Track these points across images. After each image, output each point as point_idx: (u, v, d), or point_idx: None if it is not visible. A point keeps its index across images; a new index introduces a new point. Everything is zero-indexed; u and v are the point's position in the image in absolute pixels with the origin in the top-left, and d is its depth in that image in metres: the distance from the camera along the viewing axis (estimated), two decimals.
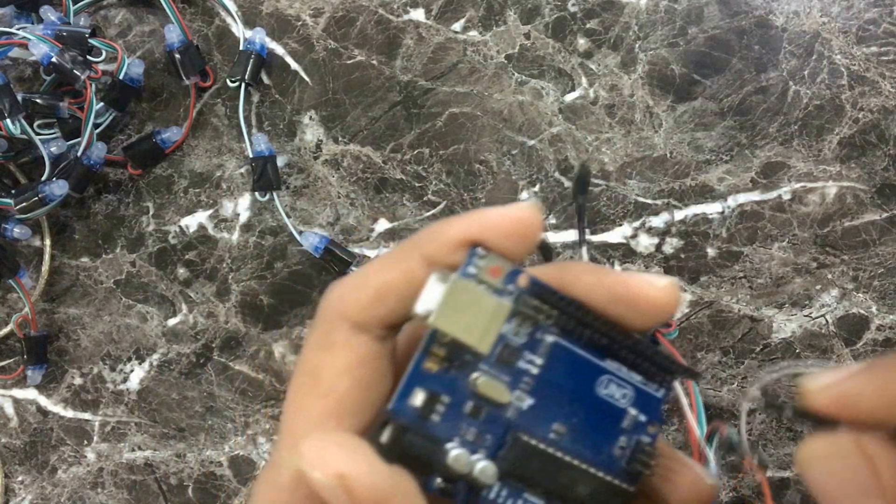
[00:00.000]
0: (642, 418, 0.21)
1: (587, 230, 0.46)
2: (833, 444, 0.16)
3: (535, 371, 0.19)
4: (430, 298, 0.18)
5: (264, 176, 0.47)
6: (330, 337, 0.19)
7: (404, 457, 0.18)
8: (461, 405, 0.19)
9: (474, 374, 0.19)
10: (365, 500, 0.16)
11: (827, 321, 0.44)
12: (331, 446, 0.16)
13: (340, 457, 0.16)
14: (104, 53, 0.47)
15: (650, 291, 0.19)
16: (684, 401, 0.38)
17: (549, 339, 0.20)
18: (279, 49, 0.48)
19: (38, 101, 0.46)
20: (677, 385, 0.23)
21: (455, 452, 0.18)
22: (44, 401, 0.50)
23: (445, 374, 0.19)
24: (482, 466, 0.18)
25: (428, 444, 0.18)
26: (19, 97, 0.45)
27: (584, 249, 0.33)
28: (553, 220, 0.46)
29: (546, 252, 0.41)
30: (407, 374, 0.19)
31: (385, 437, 0.18)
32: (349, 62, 0.48)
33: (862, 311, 0.44)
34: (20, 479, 0.50)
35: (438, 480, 0.18)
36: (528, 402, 0.19)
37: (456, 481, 0.18)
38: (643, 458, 0.20)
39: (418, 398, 0.18)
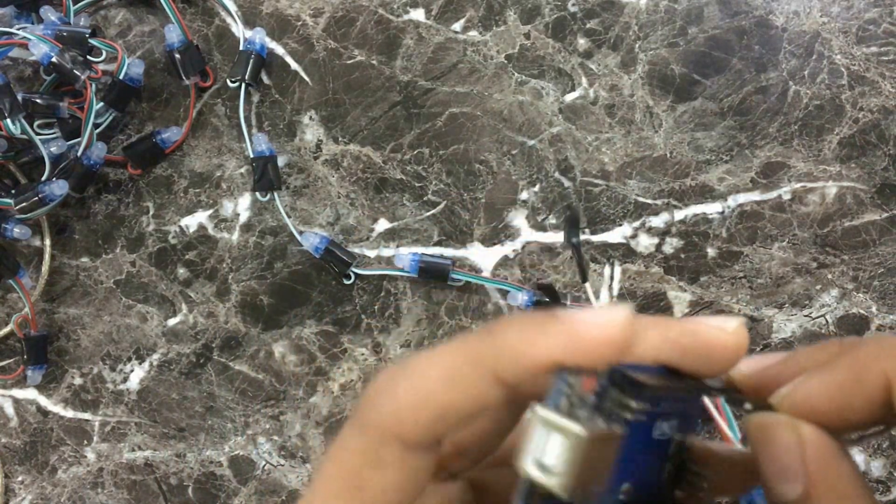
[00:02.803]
0: (682, 437, 0.20)
1: (585, 250, 0.46)
2: (777, 423, 0.18)
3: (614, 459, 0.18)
4: (543, 452, 0.16)
5: (265, 176, 0.47)
6: (379, 453, 0.17)
7: None
8: None
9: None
10: None
11: (827, 321, 0.44)
12: None
13: None
14: (104, 53, 0.47)
15: (722, 337, 0.18)
16: (713, 409, 0.39)
17: (629, 418, 0.18)
18: (279, 49, 0.48)
19: (38, 101, 0.46)
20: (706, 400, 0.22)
21: None
22: (44, 401, 0.50)
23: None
24: None
25: None
26: (19, 97, 0.45)
27: (588, 287, 0.32)
28: (553, 220, 0.46)
29: (552, 296, 0.41)
30: None
31: None
32: (349, 62, 0.48)
33: (862, 311, 0.44)
34: (20, 479, 0.50)
35: None
36: (609, 480, 0.18)
37: None
38: (688, 478, 0.20)
39: None
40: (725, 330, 0.18)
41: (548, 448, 0.16)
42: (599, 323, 0.16)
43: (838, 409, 0.17)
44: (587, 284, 0.32)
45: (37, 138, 0.45)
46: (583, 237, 0.45)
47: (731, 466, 0.21)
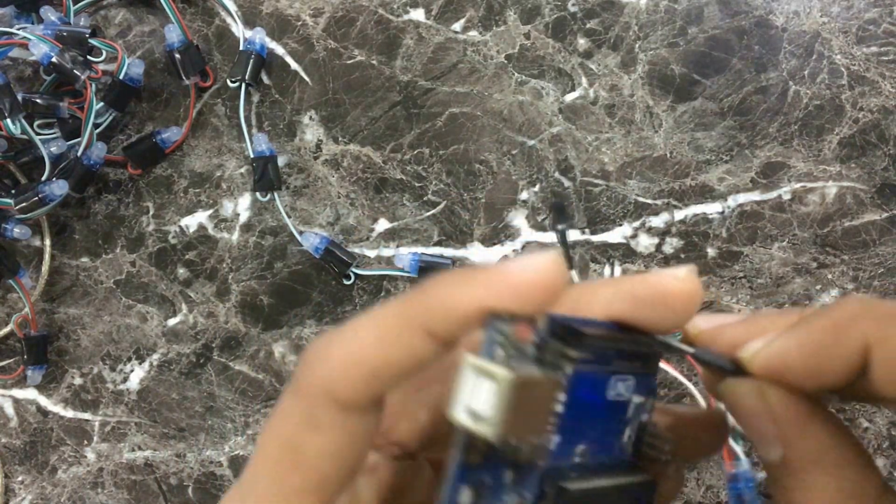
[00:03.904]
0: (641, 400, 0.19)
1: (587, 235, 0.46)
2: (746, 390, 0.18)
3: (560, 409, 0.17)
4: (472, 399, 0.16)
5: (265, 176, 0.47)
6: (315, 415, 0.17)
7: None
8: (502, 479, 0.17)
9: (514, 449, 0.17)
10: None
11: None
12: None
13: None
14: (104, 53, 0.47)
15: (674, 283, 0.18)
16: (703, 403, 0.39)
17: (569, 370, 0.17)
18: (279, 49, 0.48)
19: (38, 101, 0.46)
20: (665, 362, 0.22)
21: None
22: (44, 401, 0.50)
23: (488, 460, 0.17)
24: None
25: None
26: (19, 97, 0.45)
27: (575, 274, 0.32)
28: (544, 217, 0.46)
29: (562, 214, 0.39)
30: (451, 479, 0.16)
31: None
32: (349, 62, 0.48)
33: None
34: (20, 479, 0.50)
35: None
36: (556, 440, 0.17)
37: None
38: (648, 440, 0.19)
39: (465, 496, 0.17)
40: (676, 276, 0.18)
41: (477, 394, 0.15)
42: (526, 267, 0.16)
43: (813, 370, 0.17)
44: (573, 272, 0.31)
45: (37, 138, 0.45)
46: (583, 237, 0.45)
47: (695, 428, 0.20)
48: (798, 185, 0.44)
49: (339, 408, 0.17)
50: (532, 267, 0.16)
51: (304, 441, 0.17)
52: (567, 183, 0.46)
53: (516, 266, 0.16)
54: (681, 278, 0.18)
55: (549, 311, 0.17)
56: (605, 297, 0.18)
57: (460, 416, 0.16)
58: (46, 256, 0.49)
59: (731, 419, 0.20)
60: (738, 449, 0.42)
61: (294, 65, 0.48)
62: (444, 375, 0.19)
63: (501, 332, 0.16)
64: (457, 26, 0.47)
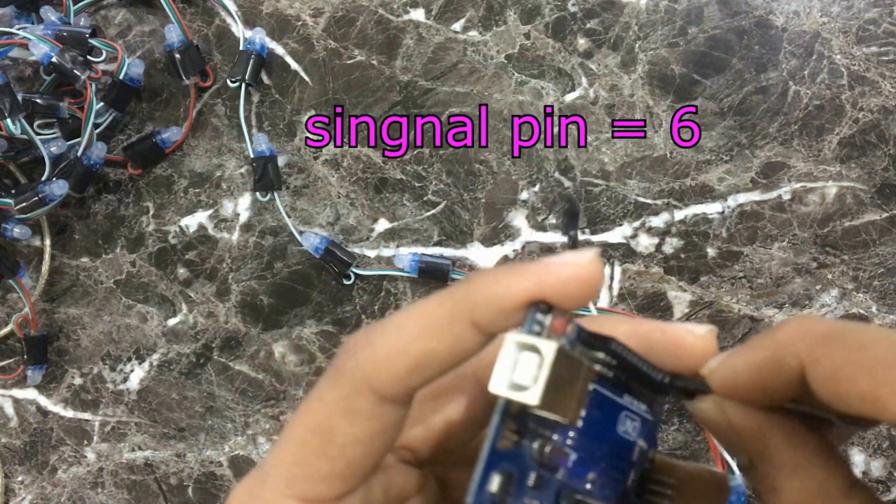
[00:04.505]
0: (645, 446, 0.20)
1: (582, 235, 0.46)
2: (707, 408, 0.19)
3: (580, 424, 0.18)
4: (514, 372, 0.16)
5: (265, 176, 0.47)
6: (352, 403, 0.17)
7: None
8: (526, 478, 0.17)
9: (545, 445, 0.18)
10: None
11: None
12: None
13: None
14: (104, 53, 0.47)
15: (689, 339, 0.19)
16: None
17: (591, 387, 0.18)
18: (279, 49, 0.48)
19: (38, 101, 0.46)
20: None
21: None
22: (44, 401, 0.50)
23: (517, 448, 0.17)
24: None
25: None
26: (19, 97, 0.45)
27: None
28: (553, 220, 0.46)
29: (572, 212, 0.40)
30: (483, 460, 0.17)
31: None
32: (349, 62, 0.48)
33: (862, 311, 0.44)
34: (20, 479, 0.50)
35: None
36: (573, 457, 0.18)
37: None
38: (651, 487, 0.20)
39: (495, 483, 0.17)
40: (694, 333, 0.19)
41: (519, 367, 0.16)
42: (568, 262, 0.16)
43: (760, 387, 0.18)
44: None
45: (37, 138, 0.45)
46: (583, 237, 0.45)
47: (697, 484, 0.21)
48: (798, 185, 0.44)
49: (377, 397, 0.17)
50: (576, 262, 0.16)
51: (338, 426, 0.17)
52: (567, 183, 0.46)
53: (561, 260, 0.16)
54: (699, 335, 0.19)
55: (585, 327, 0.18)
56: (621, 331, 0.19)
57: (500, 388, 0.16)
58: (46, 256, 0.49)
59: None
60: (732, 463, 0.42)
61: (294, 65, 0.48)
62: (463, 385, 0.20)
63: (539, 323, 0.17)
64: (457, 26, 0.47)
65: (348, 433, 0.17)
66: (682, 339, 0.19)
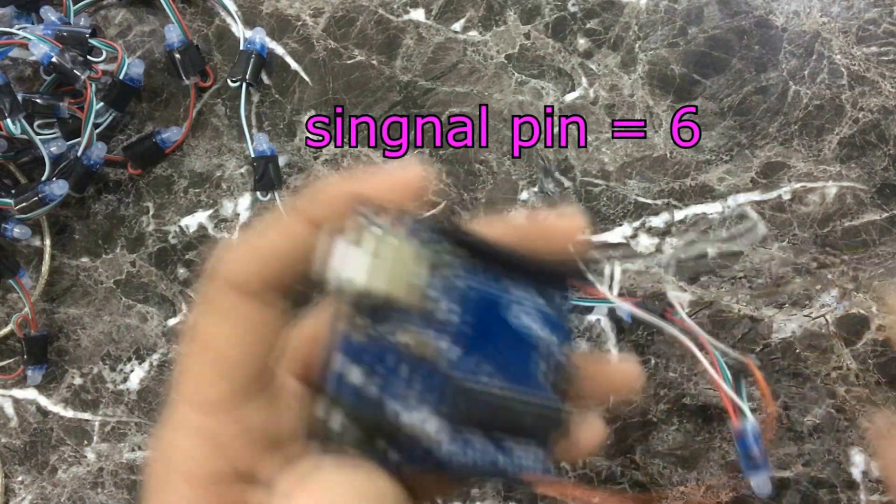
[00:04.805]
0: (553, 339, 0.21)
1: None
2: None
3: (455, 319, 0.19)
4: (345, 262, 0.17)
5: (266, 176, 0.47)
6: (216, 303, 0.19)
7: (355, 438, 0.17)
8: (396, 370, 0.18)
9: (402, 335, 0.18)
10: None
11: (827, 321, 0.44)
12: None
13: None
14: (104, 53, 0.47)
15: (552, 219, 0.20)
16: (704, 360, 0.38)
17: (461, 283, 0.19)
18: (279, 49, 0.48)
19: (38, 101, 0.46)
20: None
21: (405, 418, 0.17)
22: (44, 401, 0.50)
23: (373, 341, 0.18)
24: (432, 425, 0.17)
25: (375, 418, 0.17)
26: (19, 97, 0.45)
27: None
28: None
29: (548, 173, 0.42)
30: (337, 352, 0.18)
31: (335, 423, 0.17)
32: (349, 62, 0.48)
33: (862, 311, 0.44)
34: (20, 479, 0.50)
35: (394, 455, 0.18)
36: (456, 351, 0.18)
37: (410, 447, 0.18)
38: (565, 377, 0.21)
39: (355, 374, 0.17)
40: (559, 214, 0.20)
41: (349, 258, 0.17)
42: (390, 168, 0.19)
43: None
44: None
45: (37, 138, 0.45)
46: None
47: (608, 372, 0.22)
48: (798, 185, 0.44)
49: (237, 293, 0.18)
50: (398, 168, 0.19)
51: (208, 329, 0.19)
52: (567, 183, 0.46)
53: (386, 167, 0.19)
54: (563, 215, 0.20)
55: (428, 219, 0.19)
56: (496, 230, 0.20)
57: (331, 274, 0.17)
58: (46, 256, 0.49)
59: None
60: (745, 406, 0.41)
61: (294, 65, 0.48)
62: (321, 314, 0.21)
63: (366, 216, 0.18)
64: (457, 26, 0.47)
65: (219, 333, 0.18)
66: (548, 221, 0.20)
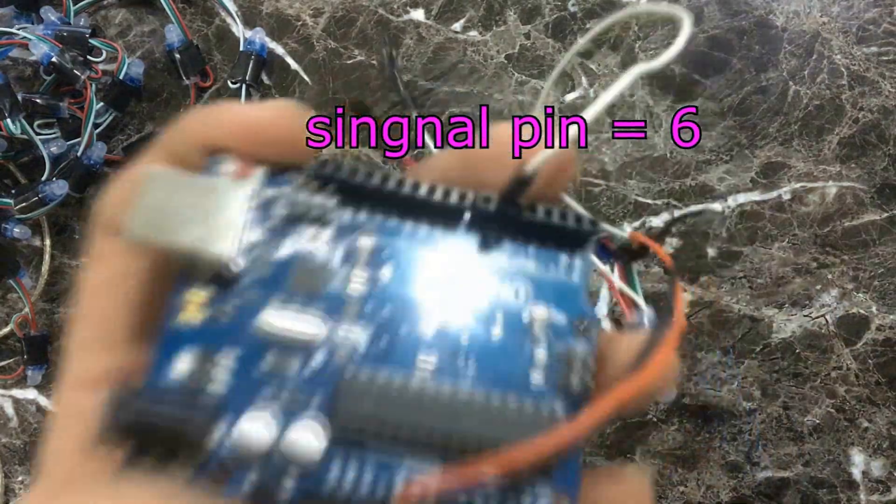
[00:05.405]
0: (561, 318, 0.15)
1: None
2: None
3: (359, 290, 0.14)
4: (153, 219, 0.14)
5: (243, 68, 0.47)
6: (91, 249, 0.17)
7: (166, 452, 0.13)
8: (255, 361, 0.13)
9: (260, 314, 0.14)
10: None
11: (827, 321, 0.44)
12: None
13: None
14: (104, 53, 0.47)
15: (496, 130, 0.16)
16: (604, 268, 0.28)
17: (368, 242, 0.15)
18: (279, 49, 0.48)
19: (38, 101, 0.46)
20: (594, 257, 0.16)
21: (247, 428, 0.13)
22: (44, 401, 0.50)
23: (217, 323, 0.14)
24: (299, 437, 0.13)
25: (201, 428, 0.13)
26: (19, 97, 0.45)
27: (416, 117, 0.28)
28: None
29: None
30: (161, 336, 0.14)
31: (132, 429, 0.13)
32: (349, 62, 0.48)
33: (862, 311, 0.44)
34: (20, 479, 0.50)
35: (249, 477, 0.13)
36: (363, 335, 0.14)
37: (270, 470, 0.13)
38: (574, 367, 0.14)
39: (184, 365, 0.13)
40: (501, 126, 0.16)
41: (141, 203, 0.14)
42: (258, 110, 0.15)
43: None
44: (415, 114, 0.27)
45: (37, 138, 0.45)
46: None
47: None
48: (798, 185, 0.44)
49: (107, 237, 0.16)
50: (263, 111, 0.15)
51: (82, 279, 0.17)
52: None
53: (250, 108, 0.15)
54: (505, 126, 0.16)
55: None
56: (442, 161, 0.17)
57: (129, 232, 0.14)
58: (46, 256, 0.49)
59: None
60: (639, 299, 0.38)
61: (294, 65, 0.48)
62: None
63: (216, 171, 0.15)
64: (457, 26, 0.47)
65: (90, 282, 0.17)
66: (493, 135, 0.16)
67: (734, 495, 0.43)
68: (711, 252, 0.45)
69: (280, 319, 0.14)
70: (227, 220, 0.14)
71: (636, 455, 0.44)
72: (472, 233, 0.15)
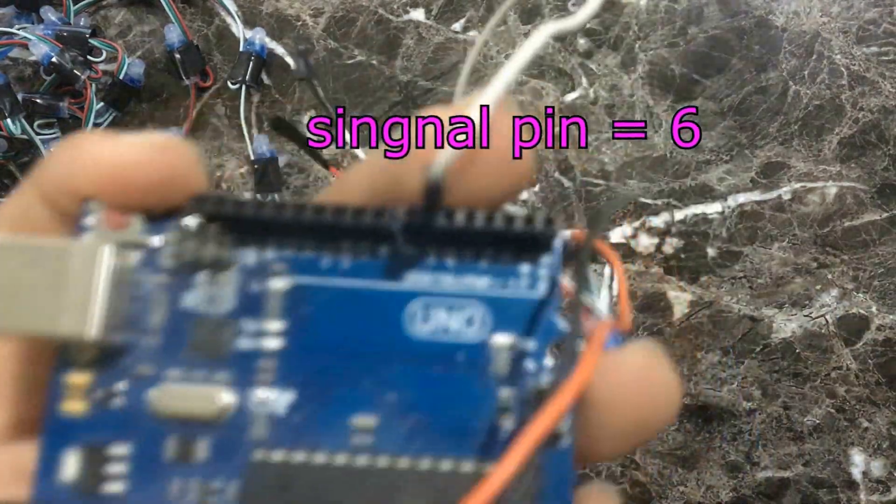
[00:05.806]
0: (531, 344, 0.12)
1: None
2: None
3: (274, 344, 0.12)
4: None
5: (266, 177, 0.47)
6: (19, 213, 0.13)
7: None
8: (155, 449, 0.12)
9: (152, 392, 0.12)
10: None
11: (827, 321, 0.44)
12: None
13: None
14: (104, 53, 0.47)
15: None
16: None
17: (280, 284, 0.12)
18: (279, 49, 0.48)
19: (38, 101, 0.46)
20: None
21: None
22: None
23: (106, 409, 0.12)
24: None
25: None
26: (19, 97, 0.45)
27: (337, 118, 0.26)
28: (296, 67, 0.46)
29: (289, 132, 0.27)
30: (45, 434, 0.12)
31: None
32: (349, 62, 0.48)
33: (862, 311, 0.44)
34: None
35: None
36: (282, 400, 0.12)
37: None
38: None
39: (71, 466, 0.12)
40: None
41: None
42: (136, 146, 0.12)
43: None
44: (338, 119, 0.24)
45: (37, 138, 0.45)
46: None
47: None
48: (798, 185, 0.44)
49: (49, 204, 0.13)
50: (130, 152, 0.12)
51: None
52: (567, 183, 0.46)
53: (116, 148, 0.12)
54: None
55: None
56: (361, 172, 0.14)
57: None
58: None
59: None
60: (598, 304, 0.38)
61: (294, 65, 0.48)
62: None
63: (93, 220, 0.12)
64: (457, 26, 0.47)
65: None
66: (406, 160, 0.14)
67: (734, 495, 0.43)
68: (711, 252, 0.45)
69: (176, 396, 0.12)
70: (81, 290, 0.12)
71: (636, 455, 0.44)
72: (404, 256, 0.13)
